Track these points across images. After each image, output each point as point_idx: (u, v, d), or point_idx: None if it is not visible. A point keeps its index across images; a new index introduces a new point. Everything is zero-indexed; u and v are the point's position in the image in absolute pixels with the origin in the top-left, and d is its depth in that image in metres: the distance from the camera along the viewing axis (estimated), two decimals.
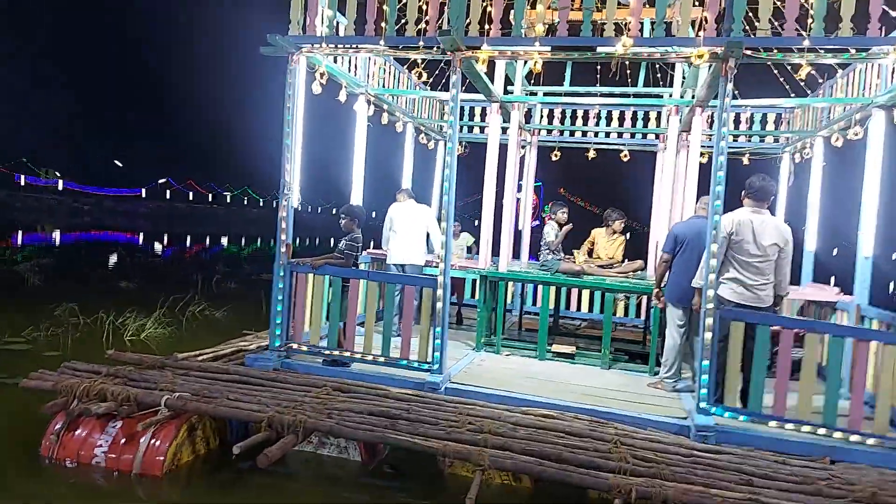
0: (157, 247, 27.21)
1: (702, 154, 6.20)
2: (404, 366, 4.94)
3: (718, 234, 4.34)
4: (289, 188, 5.11)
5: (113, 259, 19.42)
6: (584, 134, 8.34)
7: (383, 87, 6.81)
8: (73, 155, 48.99)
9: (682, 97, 6.54)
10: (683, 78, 6.58)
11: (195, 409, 4.09)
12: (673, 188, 6.12)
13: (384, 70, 6.83)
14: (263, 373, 4.85)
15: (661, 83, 7.39)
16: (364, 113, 6.54)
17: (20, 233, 25.82)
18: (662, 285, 5.21)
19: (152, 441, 3.96)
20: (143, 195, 50.64)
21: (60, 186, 44.27)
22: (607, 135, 8.23)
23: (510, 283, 7.96)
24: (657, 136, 7.95)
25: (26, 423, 4.39)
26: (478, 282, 6.54)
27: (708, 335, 4.34)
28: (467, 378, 5.10)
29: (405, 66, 7.20)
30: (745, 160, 8.25)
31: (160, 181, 53.55)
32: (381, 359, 5.00)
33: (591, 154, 8.29)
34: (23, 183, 41.83)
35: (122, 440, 3.99)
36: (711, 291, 4.34)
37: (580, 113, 8.21)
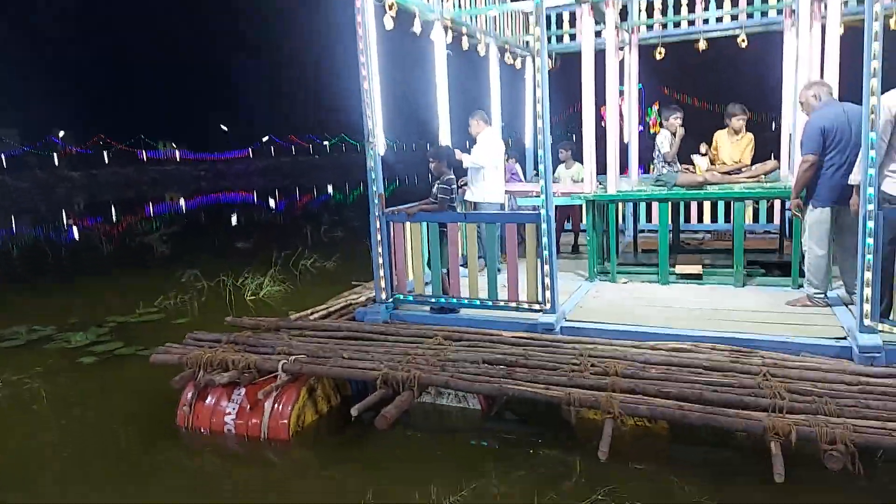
0: (270, 202, 28.53)
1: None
2: (514, 308, 4.67)
3: (878, 120, 3.57)
4: (373, 135, 4.85)
5: (232, 219, 20.55)
6: (692, 23, 7.34)
7: (459, 7, 6.26)
8: (184, 125, 51.90)
9: None
10: None
11: (311, 371, 4.08)
12: (810, 69, 5.19)
13: None
14: (374, 326, 4.78)
15: None
16: (442, 41, 6.07)
17: (150, 204, 27.95)
18: (802, 193, 4.46)
19: (275, 406, 4.02)
20: (251, 155, 53.00)
21: (178, 157, 47.27)
22: (719, 20, 7.18)
23: (621, 203, 7.37)
24: (780, 12, 6.82)
25: (164, 393, 4.62)
26: (584, 207, 6.05)
27: (870, 240, 3.67)
28: (583, 314, 4.75)
29: None
30: (893, 24, 6.92)
31: (264, 139, 55.73)
32: (490, 302, 4.76)
33: (702, 45, 7.30)
34: (144, 158, 45.08)
35: (248, 407, 4.08)
36: (871, 189, 3.63)
37: (684, 0, 7.20)
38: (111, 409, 4.76)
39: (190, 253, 12.56)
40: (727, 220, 7.69)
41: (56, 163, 36.92)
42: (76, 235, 18.98)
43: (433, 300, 5.00)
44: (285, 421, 3.97)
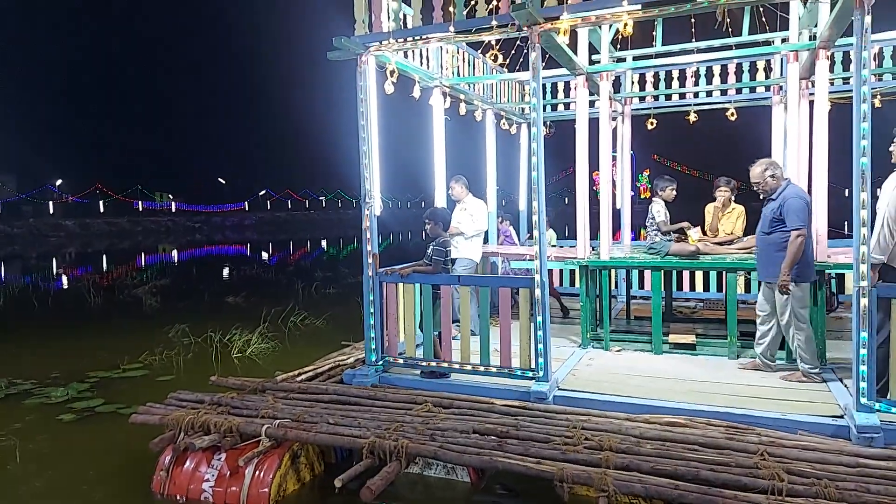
0: (263, 256, 28.49)
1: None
2: (506, 375, 4.58)
3: (882, 199, 3.65)
4: (370, 196, 4.88)
5: (224, 272, 20.45)
6: (683, 96, 7.58)
7: (458, 76, 6.45)
8: (182, 177, 52.50)
9: (798, 40, 5.68)
10: (798, 18, 5.72)
11: (295, 437, 3.95)
12: (798, 142, 5.32)
13: (457, 58, 6.46)
14: (362, 390, 4.66)
15: (766, 28, 6.52)
16: (440, 106, 6.21)
17: (142, 255, 27.85)
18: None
19: (256, 473, 3.87)
20: (247, 208, 53.39)
21: (174, 208, 47.50)
22: (709, 94, 7.43)
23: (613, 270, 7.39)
24: (768, 89, 7.05)
25: (141, 455, 4.45)
26: (577, 272, 6.05)
27: (863, 319, 3.65)
28: (577, 383, 4.67)
29: (479, 51, 6.81)
30: (877, 102, 7.16)
31: (260, 193, 56.28)
32: (481, 368, 4.67)
33: (692, 117, 7.51)
34: (140, 209, 45.29)
35: (228, 473, 3.93)
36: (863, 266, 3.65)
37: (675, 74, 7.46)
38: (86, 471, 4.55)
39: (179, 307, 12.42)
40: (719, 289, 7.71)
41: (51, 211, 36.95)
42: (64, 284, 18.79)
43: (424, 364, 4.91)
44: (265, 490, 3.81)
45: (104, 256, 27.46)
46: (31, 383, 6.68)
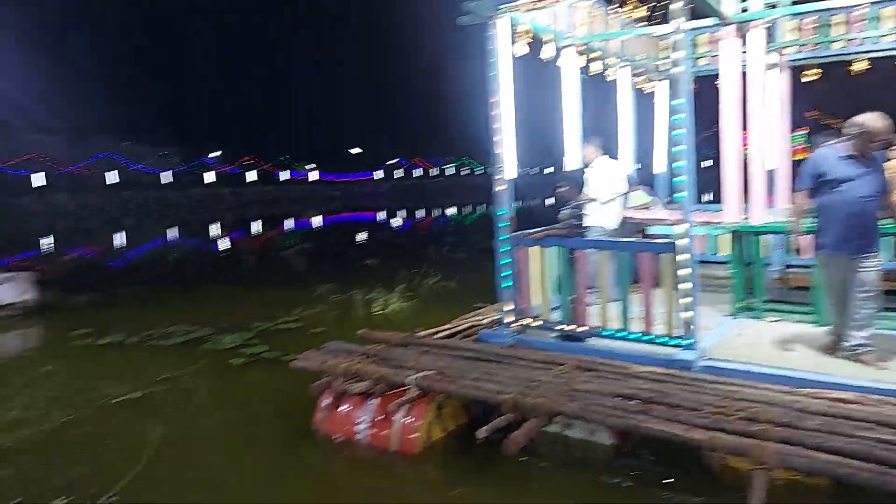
0: (396, 221, 29.63)
1: None
2: (649, 341, 4.46)
3: None
4: (503, 160, 4.90)
5: (362, 236, 21.59)
6: (846, 44, 6.73)
7: (592, 33, 6.20)
8: (324, 148, 55.57)
9: None
10: None
11: (441, 388, 4.14)
12: None
13: (590, 14, 6.20)
14: (500, 349, 4.77)
15: None
16: (574, 66, 6.03)
17: (286, 221, 30.04)
18: None
19: (406, 419, 4.12)
20: (382, 176, 55.60)
21: (316, 176, 50.54)
22: (878, 40, 6.52)
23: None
24: None
25: (302, 396, 4.92)
26: (723, 239, 5.68)
27: None
28: (726, 352, 4.44)
29: (615, 4, 6.48)
30: None
31: (392, 161, 58.24)
32: (623, 333, 4.59)
33: (859, 66, 6.67)
34: (285, 178, 48.77)
35: (379, 417, 4.22)
36: None
37: (839, 19, 6.62)
38: (255, 407, 5.13)
39: (324, 268, 13.32)
40: None
41: (211, 180, 40.91)
42: (222, 247, 20.79)
43: (561, 328, 4.90)
44: (415, 435, 4.06)
45: (255, 222, 29.96)
46: (205, 331, 7.52)
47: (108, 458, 4.25)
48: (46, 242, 21.70)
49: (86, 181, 37.34)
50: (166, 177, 38.79)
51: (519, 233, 5.08)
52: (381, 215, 32.88)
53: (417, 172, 60.36)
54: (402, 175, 58.66)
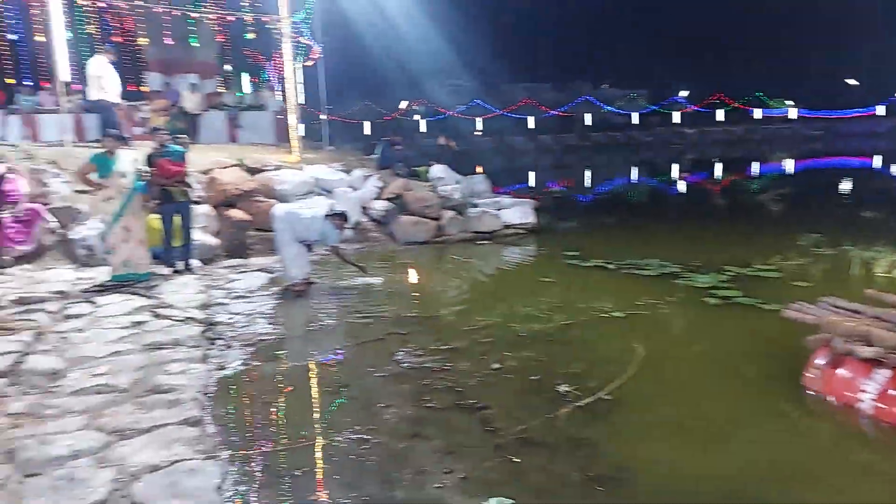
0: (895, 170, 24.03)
1: None
2: None
3: None
4: None
5: (846, 186, 18.37)
6: None
7: None
8: (804, 82, 48.46)
9: None
10: None
11: None
12: None
13: None
14: None
15: None
16: None
17: (753, 164, 27.69)
18: None
19: None
20: (883, 113, 45.34)
21: (794, 115, 44.73)
22: None
23: None
24: None
25: (784, 348, 4.67)
26: None
27: None
28: None
29: None
30: None
31: None
32: None
33: None
34: (758, 116, 44.61)
35: (892, 391, 3.67)
36: None
37: None
38: (733, 348, 5.13)
39: (804, 216, 11.92)
40: None
41: (676, 120, 40.58)
42: (681, 188, 20.62)
43: None
44: None
45: (718, 163, 28.63)
46: (677, 267, 7.75)
47: (599, 361, 4.92)
48: (531, 176, 25.45)
49: (566, 123, 41.93)
50: (634, 118, 40.29)
51: None
52: (878, 160, 27.05)
53: None
54: None
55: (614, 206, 16.49)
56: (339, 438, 3.72)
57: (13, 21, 13.41)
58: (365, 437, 3.73)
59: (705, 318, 5.99)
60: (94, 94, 10.28)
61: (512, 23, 48.57)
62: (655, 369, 4.76)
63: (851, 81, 50.66)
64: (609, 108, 43.49)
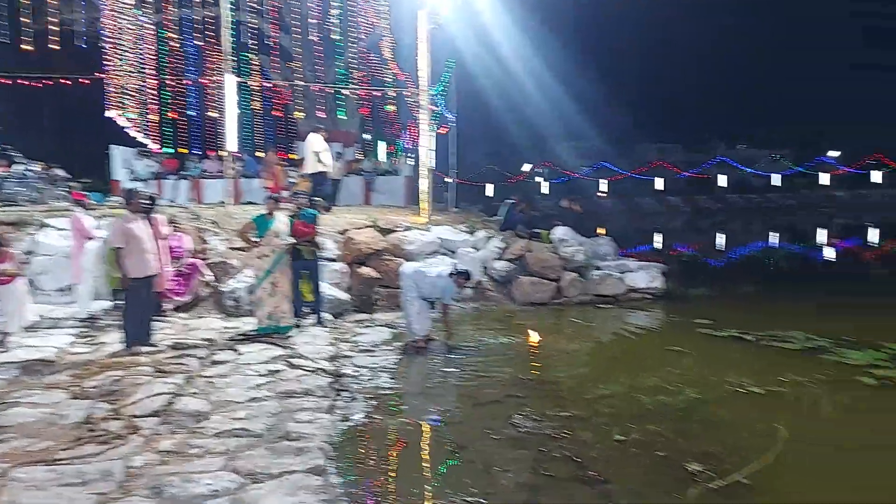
0: None
1: None
2: None
3: None
4: None
5: None
6: None
7: None
8: None
9: None
10: None
11: None
12: None
13: None
14: None
15: None
16: None
17: None
18: None
19: None
20: None
21: None
22: None
23: None
24: None
25: None
26: None
27: None
28: None
29: None
30: None
31: None
32: None
33: None
34: None
35: None
36: None
37: None
38: (892, 438, 4.51)
39: None
40: None
41: (825, 181, 37.54)
42: (827, 255, 18.79)
43: None
44: None
45: (874, 229, 25.87)
46: (826, 341, 7.02)
47: (737, 441, 4.53)
48: (658, 238, 24.43)
49: (698, 185, 40.20)
50: (775, 179, 37.76)
51: None
52: None
53: None
54: None
55: (751, 272, 15.37)
56: (455, 500, 3.70)
57: (192, 99, 15.48)
58: (481, 500, 3.68)
59: (860, 400, 5.36)
60: (310, 168, 11.77)
61: (645, 82, 48.27)
62: (800, 454, 4.31)
63: None
64: (747, 168, 41.16)
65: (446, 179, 16.83)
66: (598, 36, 46.35)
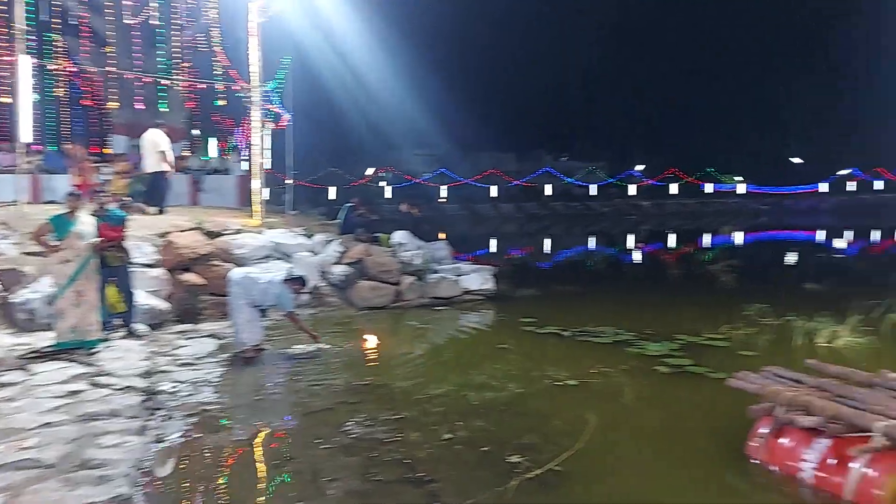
0: (840, 243, 25.22)
1: None
2: None
3: None
4: None
5: (791, 258, 19.14)
6: None
7: None
8: (751, 159, 51.27)
9: None
10: None
11: None
12: None
13: None
14: None
15: None
16: None
17: (704, 236, 28.69)
18: None
19: (868, 470, 3.55)
20: (824, 190, 47.91)
21: (742, 190, 46.91)
22: None
23: None
24: None
25: (730, 416, 4.74)
26: None
27: None
28: None
29: None
30: None
31: (842, 173, 49.48)
32: None
33: None
34: (709, 191, 46.60)
35: (831, 460, 3.74)
36: None
37: None
38: (683, 417, 5.18)
39: (752, 287, 12.31)
40: None
41: (632, 192, 42.22)
42: (636, 258, 21.15)
43: None
44: (879, 492, 3.46)
45: (671, 235, 29.55)
46: (631, 335, 7.85)
47: (552, 431, 4.89)
48: (493, 243, 25.79)
49: (528, 193, 43.14)
50: (593, 189, 41.80)
51: None
52: (821, 234, 28.39)
53: (878, 185, 49.50)
54: (855, 188, 48.98)
55: (572, 273, 16.78)
56: None
57: None
58: None
59: (657, 387, 6.05)
60: (152, 166, 10.85)
61: (480, 94, 50.64)
62: (606, 440, 4.76)
63: (796, 160, 53.69)
64: (569, 179, 44.95)
65: (285, 181, 16.27)
66: (448, 42, 47.98)
